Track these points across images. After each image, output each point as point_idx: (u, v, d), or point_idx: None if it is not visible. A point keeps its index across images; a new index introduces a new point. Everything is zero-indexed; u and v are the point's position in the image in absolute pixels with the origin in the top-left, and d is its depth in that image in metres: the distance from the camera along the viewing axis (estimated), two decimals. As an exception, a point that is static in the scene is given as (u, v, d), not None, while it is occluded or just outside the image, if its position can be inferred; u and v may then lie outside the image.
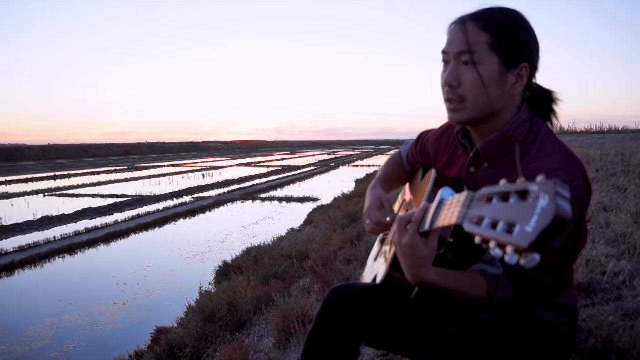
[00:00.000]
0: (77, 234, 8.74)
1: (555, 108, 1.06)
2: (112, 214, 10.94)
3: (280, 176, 20.39)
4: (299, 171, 23.28)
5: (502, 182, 0.63)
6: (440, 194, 0.82)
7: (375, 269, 1.19)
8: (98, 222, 9.86)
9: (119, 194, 14.49)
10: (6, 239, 8.54)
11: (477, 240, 0.61)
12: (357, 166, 27.79)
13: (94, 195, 14.37)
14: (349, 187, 13.02)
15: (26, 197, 14.42)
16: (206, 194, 14.27)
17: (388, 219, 1.15)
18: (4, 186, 17.60)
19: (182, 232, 9.26)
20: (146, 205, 12.11)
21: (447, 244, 0.92)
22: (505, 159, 1.00)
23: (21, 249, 7.67)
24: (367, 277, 1.25)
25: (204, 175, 21.64)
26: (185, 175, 22.25)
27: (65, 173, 23.26)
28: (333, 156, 42.89)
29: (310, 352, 1.16)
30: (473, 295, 0.92)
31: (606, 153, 5.68)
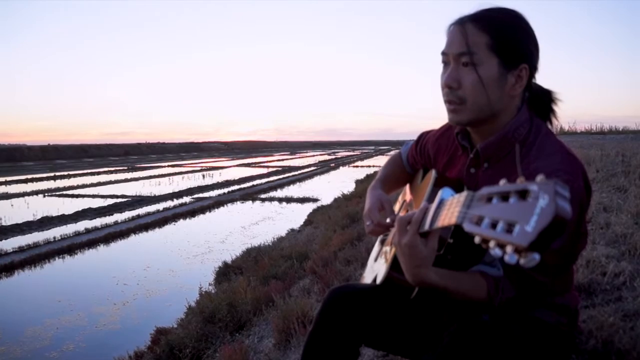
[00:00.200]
0: (77, 234, 8.74)
1: (555, 108, 1.06)
2: (112, 214, 10.94)
3: (280, 176, 20.40)
4: (299, 171, 23.29)
5: (502, 181, 0.63)
6: (440, 194, 0.82)
7: (375, 269, 1.19)
8: (98, 222, 9.87)
9: (119, 194, 14.49)
10: (6, 239, 8.54)
11: (477, 240, 0.61)
12: (357, 166, 27.80)
13: (93, 196, 14.38)
14: (349, 187, 13.02)
15: (26, 197, 14.43)
16: (206, 195, 14.28)
17: (388, 220, 1.15)
18: (3, 186, 17.61)
19: (182, 232, 9.26)
20: (146, 206, 12.11)
21: (447, 245, 0.92)
22: (505, 159, 1.00)
23: (21, 250, 7.67)
24: (367, 278, 1.25)
25: (203, 176, 21.65)
26: (185, 175, 22.26)
27: (65, 173, 23.27)
28: (333, 156, 42.91)
29: (310, 352, 1.16)
30: (473, 296, 0.92)
31: (606, 153, 5.68)
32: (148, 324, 4.25)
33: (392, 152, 1.49)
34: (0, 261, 6.98)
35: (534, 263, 0.54)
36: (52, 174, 22.89)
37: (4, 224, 9.73)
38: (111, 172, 24.96)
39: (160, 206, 11.95)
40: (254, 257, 5.45)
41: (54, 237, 8.42)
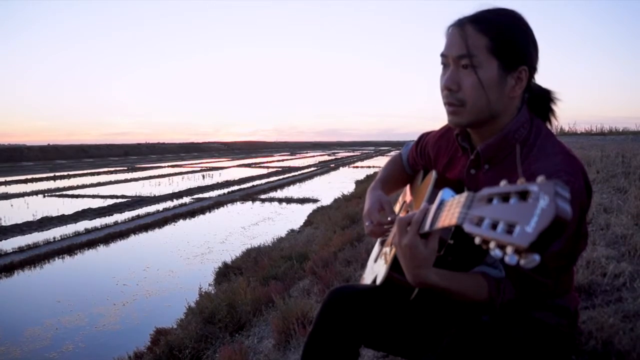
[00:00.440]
0: (77, 234, 8.74)
1: (554, 108, 1.05)
2: (112, 215, 10.93)
3: (280, 177, 20.40)
4: (299, 172, 23.28)
5: (503, 182, 0.63)
6: (440, 195, 0.82)
7: (375, 270, 1.19)
8: (97, 222, 9.86)
9: (119, 194, 14.49)
10: (5, 239, 8.54)
11: (477, 240, 0.61)
12: (357, 167, 27.80)
13: (93, 196, 14.37)
14: (349, 188, 13.03)
15: (26, 197, 14.43)
16: (206, 195, 14.27)
17: (388, 220, 1.15)
18: (3, 186, 17.60)
19: (182, 232, 9.25)
20: (146, 206, 12.11)
21: (448, 246, 0.92)
22: (506, 160, 1.00)
23: (20, 250, 7.67)
24: (367, 279, 1.25)
25: (203, 176, 21.65)
26: (185, 176, 22.26)
27: (65, 173, 23.27)
28: (333, 157, 42.93)
29: (309, 353, 1.16)
30: (474, 297, 0.91)
31: (606, 154, 5.68)
32: (148, 325, 4.25)
33: (392, 153, 1.49)
34: (0, 261, 6.98)
35: (534, 264, 0.54)
36: (51, 174, 22.90)
37: (3, 224, 9.72)
38: (111, 172, 24.96)
39: (160, 206, 11.94)
40: (253, 257, 5.44)
41: (54, 238, 8.41)
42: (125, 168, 28.23)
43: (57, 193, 15.29)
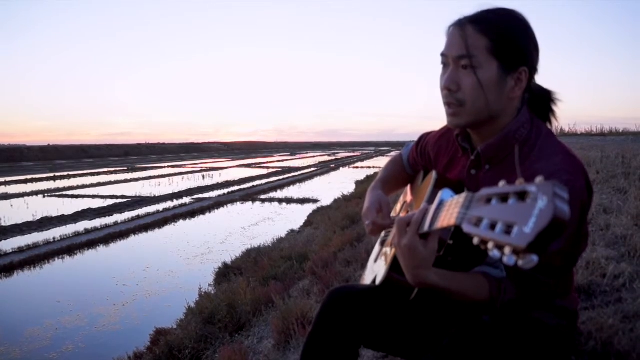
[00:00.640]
0: (77, 234, 8.74)
1: (555, 108, 1.05)
2: (112, 215, 10.93)
3: (280, 177, 20.40)
4: (299, 172, 23.28)
5: (501, 183, 0.63)
6: (439, 195, 0.82)
7: (375, 270, 1.19)
8: (97, 223, 9.86)
9: (119, 194, 14.49)
10: (5, 239, 8.54)
11: (476, 241, 0.61)
12: (357, 167, 27.80)
13: (93, 196, 14.37)
14: (349, 188, 13.03)
15: (25, 197, 14.43)
16: (206, 195, 14.27)
17: (388, 221, 1.15)
18: (3, 187, 17.60)
19: (182, 233, 9.25)
20: (146, 206, 12.11)
21: (447, 246, 0.92)
22: (506, 161, 1.00)
23: (20, 250, 7.67)
24: (367, 279, 1.25)
25: (203, 176, 21.65)
26: (185, 176, 22.26)
27: (65, 174, 23.28)
28: (333, 157, 42.92)
29: (309, 353, 1.16)
30: (475, 297, 0.91)
31: (607, 155, 5.69)
32: (147, 325, 4.25)
33: (393, 153, 1.49)
34: (0, 262, 6.98)
35: (532, 265, 0.54)
36: (51, 175, 22.90)
37: (3, 224, 9.72)
38: (111, 172, 24.96)
39: (160, 207, 11.95)
40: (253, 258, 5.44)
41: (54, 238, 8.41)
42: (126, 168, 28.23)
43: (57, 193, 15.29)
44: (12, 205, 12.72)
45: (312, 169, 25.90)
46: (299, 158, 43.02)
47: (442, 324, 1.09)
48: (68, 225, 9.73)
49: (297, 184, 18.15)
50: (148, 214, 10.80)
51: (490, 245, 0.58)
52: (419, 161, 1.30)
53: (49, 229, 9.37)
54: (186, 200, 13.36)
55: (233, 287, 3.91)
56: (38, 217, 10.29)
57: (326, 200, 11.33)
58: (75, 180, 20.10)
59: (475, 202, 0.65)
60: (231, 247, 7.54)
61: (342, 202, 9.50)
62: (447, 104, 1.00)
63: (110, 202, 12.82)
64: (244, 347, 2.71)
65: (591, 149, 7.27)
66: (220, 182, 18.12)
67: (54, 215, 10.52)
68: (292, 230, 7.91)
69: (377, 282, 1.08)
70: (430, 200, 0.89)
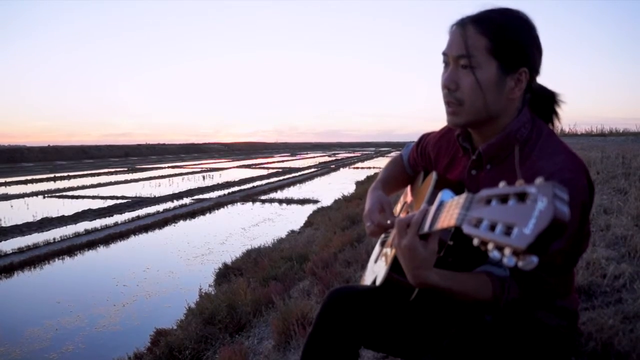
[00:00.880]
0: (77, 235, 8.74)
1: (558, 110, 1.05)
2: (112, 216, 10.93)
3: (280, 178, 20.39)
4: (299, 173, 23.28)
5: (501, 184, 0.63)
6: (439, 196, 0.82)
7: (375, 271, 1.19)
8: (98, 223, 9.86)
9: (119, 195, 14.49)
10: (5, 240, 8.54)
11: (476, 242, 0.61)
12: (357, 168, 27.79)
13: (93, 197, 14.37)
14: (349, 189, 13.04)
15: (26, 198, 14.44)
16: (206, 196, 14.27)
17: (388, 221, 1.15)
18: (3, 187, 17.61)
19: (182, 233, 9.25)
20: (146, 207, 12.11)
21: (447, 247, 0.92)
22: (507, 161, 1.00)
23: (20, 251, 7.67)
24: (367, 279, 1.25)
25: (204, 177, 21.65)
26: (185, 176, 22.26)
27: (65, 174, 23.29)
28: (333, 158, 42.92)
29: (309, 354, 1.16)
30: (477, 296, 0.90)
31: (607, 155, 5.69)
32: (148, 325, 4.25)
33: (393, 154, 1.49)
34: (0, 262, 6.98)
35: (532, 266, 0.54)
36: (52, 175, 22.91)
37: (3, 225, 9.72)
38: (111, 173, 24.96)
39: (160, 207, 11.95)
40: (254, 258, 5.44)
41: (54, 238, 8.41)
42: (126, 169, 28.24)
43: (57, 194, 15.30)
44: (12, 206, 12.72)
45: (313, 170, 25.90)
46: (299, 158, 43.02)
47: (443, 324, 1.09)
48: (68, 226, 9.73)
49: (298, 185, 18.14)
50: (148, 215, 10.80)
51: (490, 246, 0.58)
52: (419, 162, 1.30)
53: (49, 230, 9.37)
54: (186, 200, 13.35)
55: (233, 288, 3.91)
56: (38, 218, 10.29)
57: (326, 201, 11.33)
58: (76, 180, 20.11)
59: (475, 203, 0.65)
60: (231, 248, 7.53)
61: (342, 203, 9.51)
62: (447, 102, 1.00)
63: (110, 202, 12.82)
64: (244, 348, 2.71)
65: (591, 150, 7.27)
66: (220, 182, 18.12)
67: (54, 216, 10.51)
68: (293, 231, 7.91)
69: (378, 282, 1.08)
70: (430, 201, 0.89)
